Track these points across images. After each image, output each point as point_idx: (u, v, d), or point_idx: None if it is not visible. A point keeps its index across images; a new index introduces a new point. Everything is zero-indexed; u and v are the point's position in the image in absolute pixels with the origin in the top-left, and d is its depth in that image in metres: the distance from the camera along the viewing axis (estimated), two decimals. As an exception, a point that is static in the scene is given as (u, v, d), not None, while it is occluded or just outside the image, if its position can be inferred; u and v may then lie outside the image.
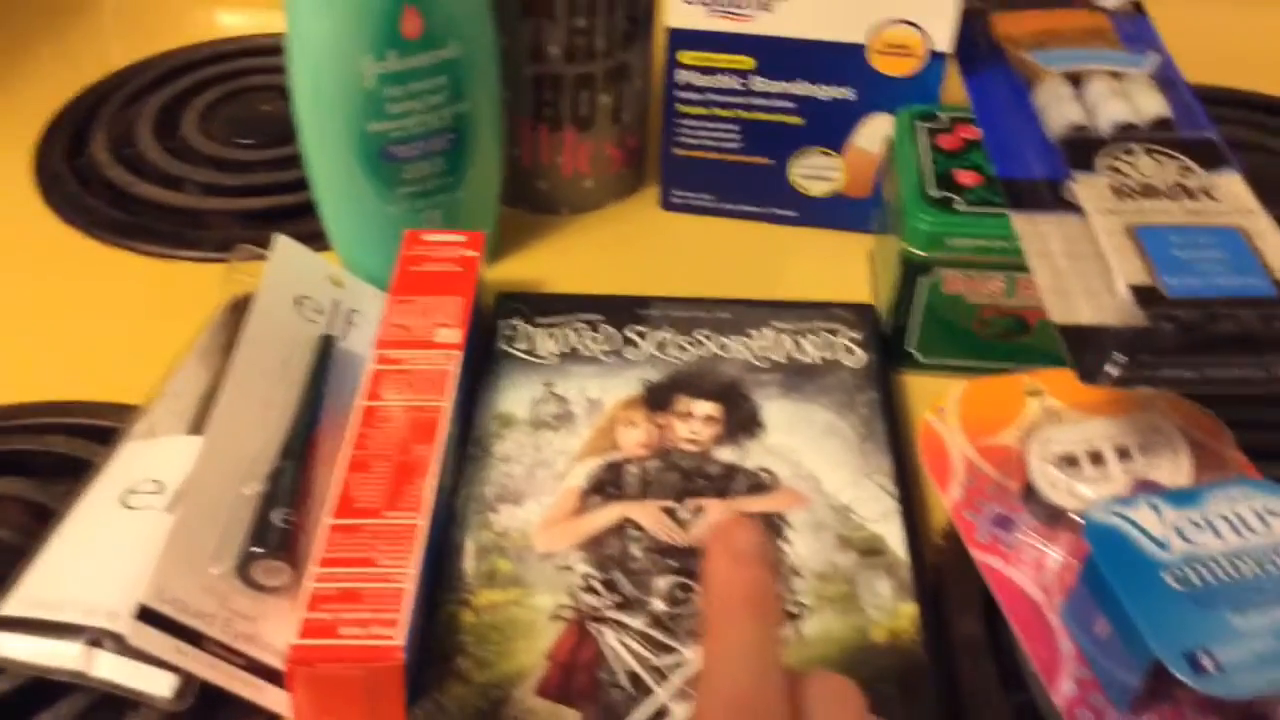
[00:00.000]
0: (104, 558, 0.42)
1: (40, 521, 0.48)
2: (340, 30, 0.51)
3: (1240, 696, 0.38)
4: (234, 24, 0.81)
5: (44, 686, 0.40)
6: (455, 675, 0.40)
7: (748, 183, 0.64)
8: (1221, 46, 0.62)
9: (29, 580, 0.41)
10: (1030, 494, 0.47)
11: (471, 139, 0.57)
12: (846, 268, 0.63)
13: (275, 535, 0.42)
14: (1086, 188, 0.50)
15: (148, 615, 0.38)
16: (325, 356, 0.51)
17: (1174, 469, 0.47)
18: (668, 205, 0.66)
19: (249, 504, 0.43)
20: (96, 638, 0.39)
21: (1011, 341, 0.55)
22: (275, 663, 0.40)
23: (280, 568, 0.41)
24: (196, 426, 0.49)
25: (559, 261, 0.63)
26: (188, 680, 0.39)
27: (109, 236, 0.62)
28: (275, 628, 0.41)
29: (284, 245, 0.55)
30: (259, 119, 0.70)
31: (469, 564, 0.45)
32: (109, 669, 0.39)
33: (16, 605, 0.40)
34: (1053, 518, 0.46)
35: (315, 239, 0.62)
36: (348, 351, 0.53)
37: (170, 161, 0.67)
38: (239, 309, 0.55)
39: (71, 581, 0.41)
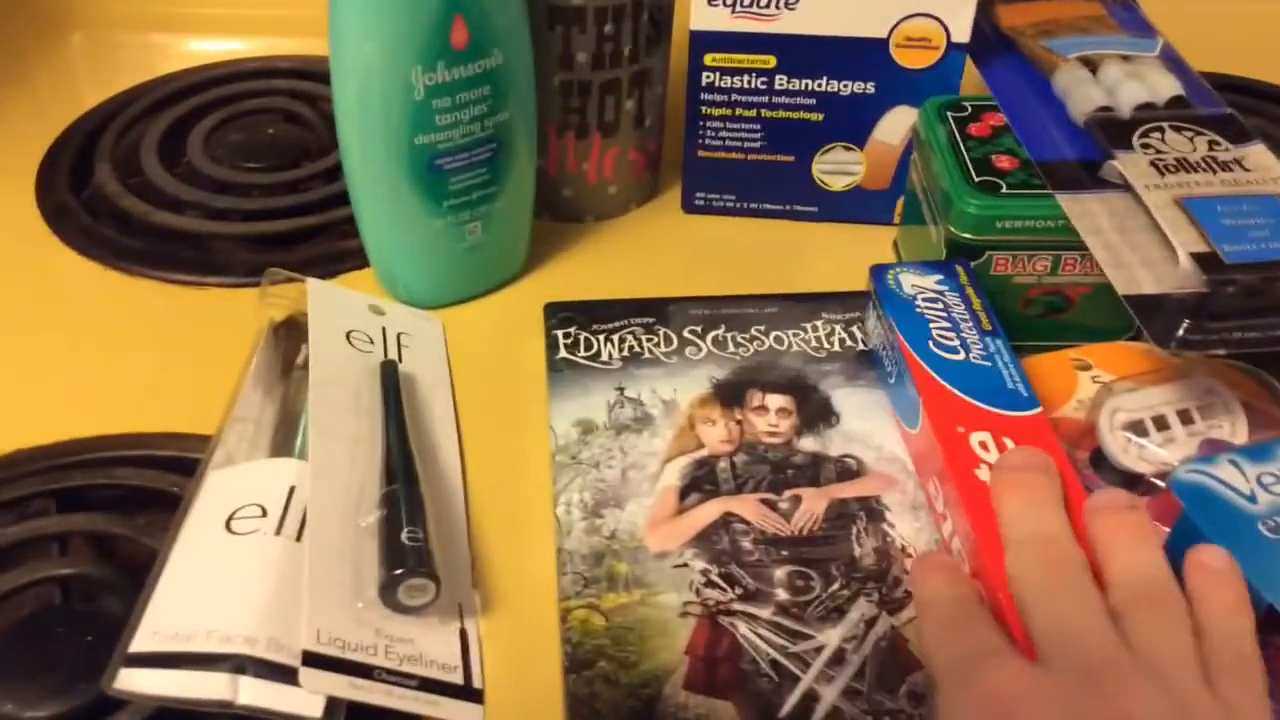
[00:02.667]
0: (223, 584, 0.41)
1: (113, 555, 0.47)
2: (391, 44, 0.51)
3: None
4: (206, 52, 0.80)
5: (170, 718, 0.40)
6: (602, 679, 0.41)
7: (769, 181, 0.65)
8: (1202, 33, 0.66)
9: (152, 614, 0.40)
10: (1101, 461, 0.49)
11: (510, 148, 0.57)
12: (870, 259, 0.63)
13: (411, 554, 0.41)
14: (1129, 165, 0.52)
15: (313, 660, 0.38)
16: (393, 380, 0.51)
17: (1232, 429, 0.50)
18: (690, 207, 0.67)
19: (371, 533, 0.43)
20: (239, 664, 0.38)
21: (1052, 319, 0.56)
22: (445, 677, 0.40)
23: (423, 584, 0.41)
24: (276, 450, 0.48)
25: (589, 268, 0.63)
26: (336, 699, 0.39)
27: (132, 267, 0.61)
28: (435, 642, 0.41)
29: (317, 288, 0.55)
30: (264, 142, 0.69)
31: (586, 569, 0.45)
32: (256, 695, 0.38)
33: (148, 640, 0.39)
34: (1128, 483, 0.48)
35: (337, 259, 0.61)
36: (406, 373, 0.53)
37: (181, 188, 0.65)
38: (281, 332, 0.55)
39: (196, 611, 0.40)
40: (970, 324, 0.51)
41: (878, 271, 0.55)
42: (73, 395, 0.54)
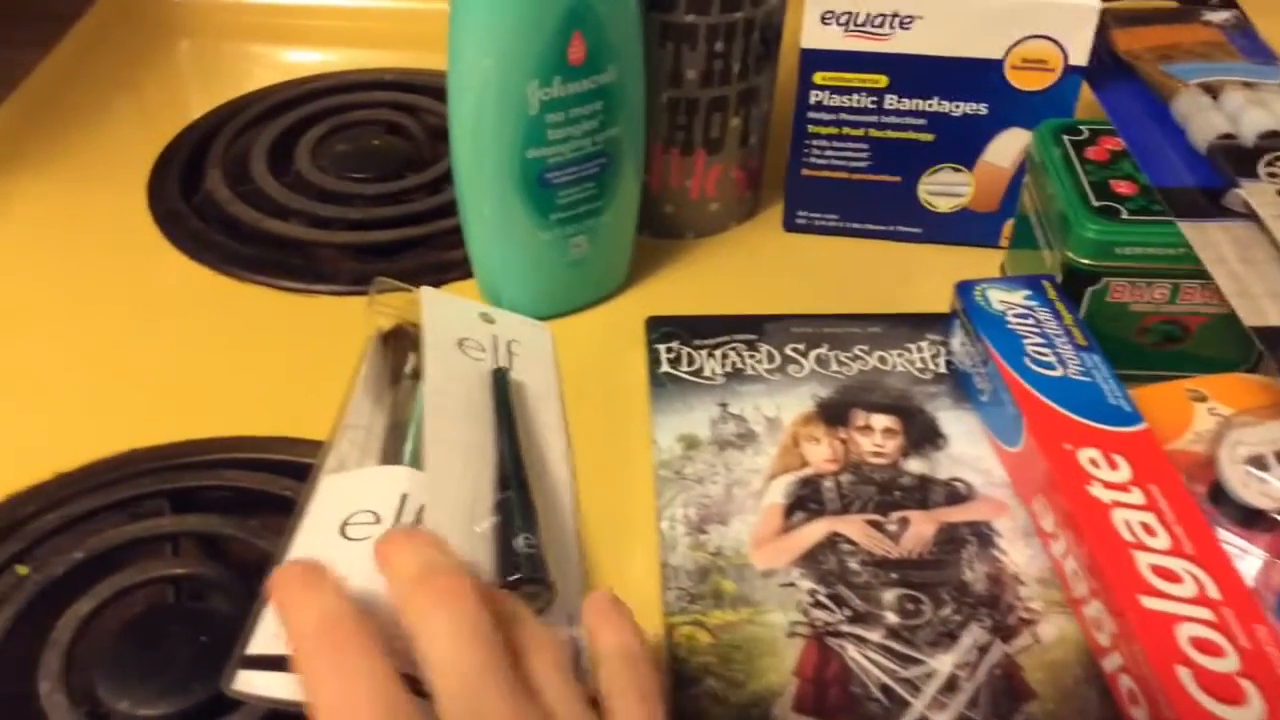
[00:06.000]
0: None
1: (224, 556, 0.48)
2: (509, 59, 0.51)
3: None
4: (305, 63, 0.81)
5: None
6: (710, 697, 0.40)
7: (874, 201, 0.64)
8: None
9: (270, 616, 0.40)
10: (1220, 496, 0.48)
11: (618, 163, 0.57)
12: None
13: (525, 561, 0.41)
14: (1256, 194, 0.51)
15: None
16: (505, 388, 0.51)
17: (1357, 467, 0.48)
18: (791, 226, 0.66)
19: (485, 539, 0.43)
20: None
21: (1167, 349, 0.55)
22: None
23: (537, 591, 0.41)
24: (386, 457, 0.48)
25: (689, 285, 0.63)
26: None
27: (241, 272, 0.62)
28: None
29: (431, 295, 0.55)
30: (369, 153, 0.70)
31: (691, 585, 0.44)
32: None
33: (266, 643, 0.39)
34: (1248, 518, 0.47)
35: (440, 270, 0.62)
36: (516, 381, 0.53)
37: (289, 197, 0.66)
38: (389, 341, 0.55)
39: None
40: (1064, 339, 0.51)
41: (964, 288, 0.54)
42: (184, 397, 0.55)
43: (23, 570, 0.46)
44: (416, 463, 0.47)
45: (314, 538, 0.43)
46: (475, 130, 0.54)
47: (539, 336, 0.57)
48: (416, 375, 0.52)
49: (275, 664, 0.39)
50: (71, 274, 0.63)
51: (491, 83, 0.52)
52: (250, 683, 0.38)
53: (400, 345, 0.54)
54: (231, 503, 0.49)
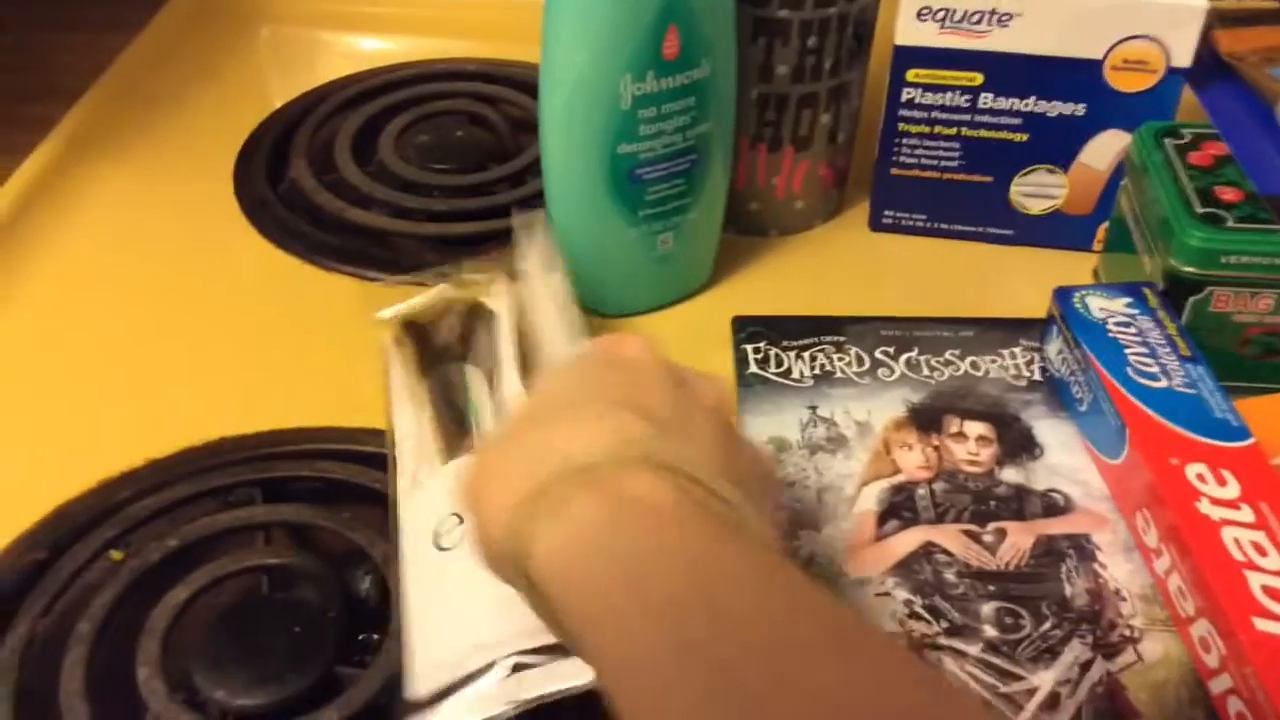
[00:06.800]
0: (462, 599, 0.40)
1: (313, 546, 0.48)
2: (603, 53, 0.51)
3: None
4: (385, 52, 0.81)
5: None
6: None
7: (964, 201, 0.63)
8: None
9: (419, 654, 0.40)
10: (1328, 513, 0.46)
11: (707, 160, 0.56)
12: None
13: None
14: (1370, 202, 0.49)
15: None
16: None
17: None
18: (877, 226, 0.65)
19: None
20: (514, 664, 0.38)
21: (1269, 361, 0.54)
22: None
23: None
24: (449, 444, 0.48)
25: (774, 283, 0.62)
26: None
27: (327, 262, 0.62)
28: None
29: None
30: (452, 144, 0.70)
31: (785, 590, 0.44)
32: (540, 683, 0.37)
33: (428, 680, 0.39)
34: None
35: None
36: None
37: (373, 186, 0.66)
38: (402, 338, 0.53)
39: (453, 634, 0.40)
40: (1168, 350, 0.49)
41: (1063, 294, 0.53)
42: (271, 386, 0.55)
43: (117, 556, 0.47)
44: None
45: (418, 563, 0.43)
46: (566, 125, 0.53)
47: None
48: (455, 356, 0.52)
49: (444, 694, 0.38)
50: (160, 261, 0.63)
51: (585, 77, 0.51)
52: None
53: (413, 336, 0.52)
54: (321, 493, 0.49)
